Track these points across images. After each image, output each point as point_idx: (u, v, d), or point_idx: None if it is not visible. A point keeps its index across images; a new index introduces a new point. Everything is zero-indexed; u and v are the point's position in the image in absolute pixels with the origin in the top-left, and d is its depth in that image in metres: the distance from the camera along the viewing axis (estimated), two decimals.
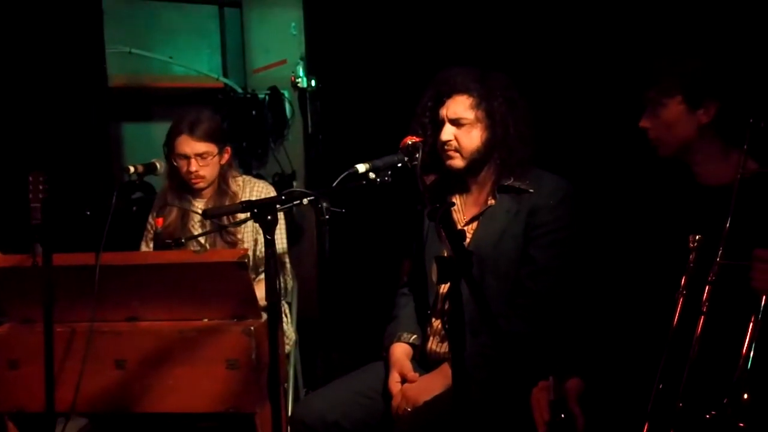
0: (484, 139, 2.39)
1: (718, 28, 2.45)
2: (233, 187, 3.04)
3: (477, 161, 2.42)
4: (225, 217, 2.89)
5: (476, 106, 2.38)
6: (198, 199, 3.05)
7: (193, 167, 2.93)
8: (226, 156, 3.04)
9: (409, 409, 2.28)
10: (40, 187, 2.57)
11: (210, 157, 2.95)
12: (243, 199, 2.92)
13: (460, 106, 2.39)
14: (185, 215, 3.02)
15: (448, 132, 2.40)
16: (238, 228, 2.97)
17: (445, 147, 2.41)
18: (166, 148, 2.99)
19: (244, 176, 3.14)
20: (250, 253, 3.02)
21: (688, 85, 1.96)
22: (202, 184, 2.99)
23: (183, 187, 3.03)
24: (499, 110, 2.38)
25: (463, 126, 2.39)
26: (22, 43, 3.83)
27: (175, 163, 2.96)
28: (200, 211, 2.96)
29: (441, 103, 2.43)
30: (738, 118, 1.92)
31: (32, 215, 2.46)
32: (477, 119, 2.39)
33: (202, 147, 2.92)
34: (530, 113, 2.43)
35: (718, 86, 1.96)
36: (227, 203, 2.97)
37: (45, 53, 3.87)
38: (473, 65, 2.49)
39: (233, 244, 2.97)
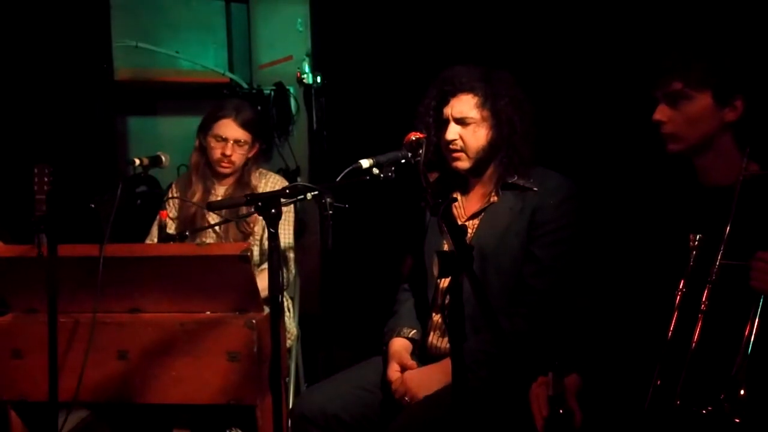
0: (490, 138, 2.39)
1: (739, 25, 2.44)
2: (253, 180, 3.11)
3: (482, 161, 2.42)
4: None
5: (482, 105, 2.37)
6: (220, 185, 3.14)
7: (228, 151, 3.03)
8: (255, 150, 3.13)
9: (407, 398, 2.29)
10: (45, 179, 2.59)
11: (246, 146, 3.07)
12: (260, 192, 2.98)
13: (465, 105, 2.38)
14: (209, 190, 3.10)
15: (452, 131, 2.39)
16: (253, 218, 3.02)
17: (450, 146, 2.40)
18: (202, 130, 3.09)
19: (260, 170, 3.19)
20: (257, 245, 3.07)
21: (720, 80, 1.90)
22: (228, 170, 3.07)
23: (209, 169, 3.12)
24: (506, 110, 2.36)
25: (468, 125, 2.38)
26: (29, 36, 3.84)
27: (211, 144, 3.05)
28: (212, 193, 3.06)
29: (445, 102, 2.42)
30: (762, 119, 1.89)
31: (37, 207, 2.48)
32: (482, 118, 2.38)
33: (242, 134, 3.04)
34: (534, 112, 2.43)
35: (750, 85, 1.91)
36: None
37: (52, 46, 3.89)
38: (478, 62, 2.48)
39: (247, 234, 3.03)
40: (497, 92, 2.37)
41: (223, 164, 3.05)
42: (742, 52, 1.93)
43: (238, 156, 3.05)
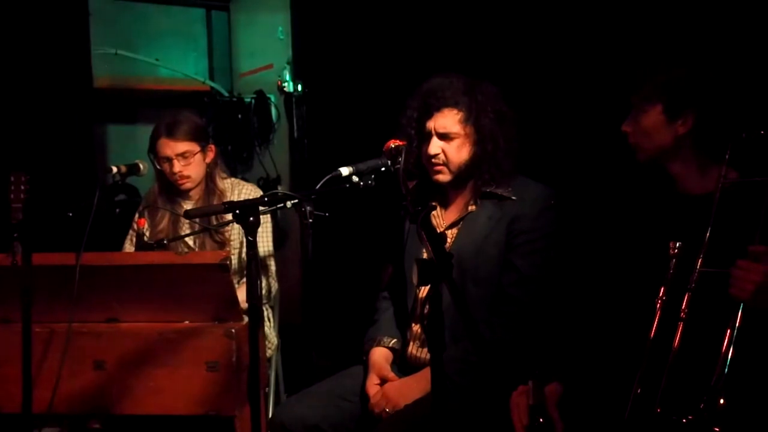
0: (472, 154, 2.37)
1: (702, 40, 2.47)
2: (220, 185, 3.03)
3: (463, 174, 2.40)
4: (213, 217, 2.90)
5: (465, 121, 2.34)
6: (187, 201, 3.04)
7: (177, 168, 2.93)
8: (211, 154, 3.03)
9: (388, 410, 2.27)
10: (22, 188, 2.55)
11: (192, 156, 2.95)
12: (230, 200, 2.93)
13: (448, 120, 2.35)
14: (176, 219, 3.01)
15: (435, 146, 2.36)
16: (227, 229, 2.97)
17: (433, 160, 2.38)
18: (151, 154, 2.99)
19: (233, 179, 3.14)
20: (236, 255, 3.02)
21: (669, 95, 1.97)
22: (189, 185, 2.99)
23: (171, 190, 3.03)
24: (489, 126, 2.34)
25: (451, 140, 2.36)
26: (7, 43, 3.81)
27: (159, 167, 2.96)
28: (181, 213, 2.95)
29: (428, 115, 2.38)
30: (715, 130, 1.94)
31: (12, 215, 2.44)
32: (466, 134, 2.36)
33: (182, 147, 2.93)
34: (517, 125, 2.41)
35: (698, 98, 1.95)
36: (216, 203, 2.97)
37: (30, 53, 3.85)
38: (459, 71, 2.45)
39: (222, 243, 2.97)
40: (481, 108, 2.35)
41: (180, 181, 2.96)
42: (692, 68, 1.99)
43: (191, 169, 2.95)
